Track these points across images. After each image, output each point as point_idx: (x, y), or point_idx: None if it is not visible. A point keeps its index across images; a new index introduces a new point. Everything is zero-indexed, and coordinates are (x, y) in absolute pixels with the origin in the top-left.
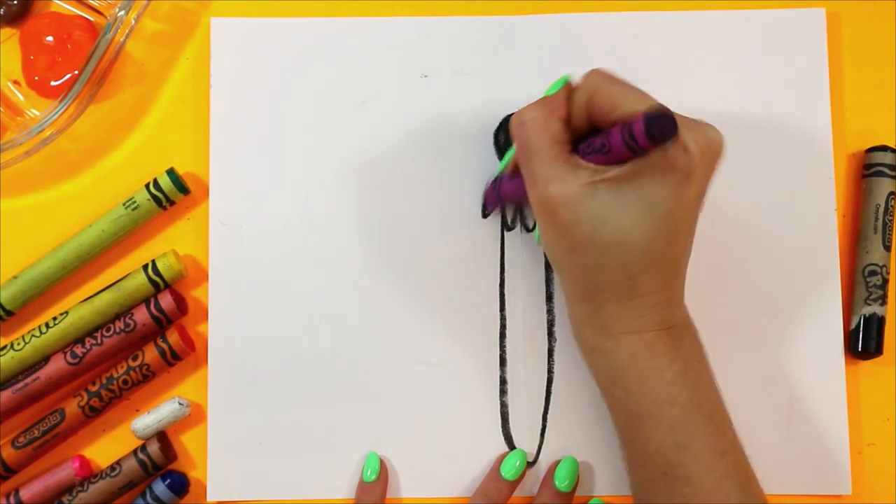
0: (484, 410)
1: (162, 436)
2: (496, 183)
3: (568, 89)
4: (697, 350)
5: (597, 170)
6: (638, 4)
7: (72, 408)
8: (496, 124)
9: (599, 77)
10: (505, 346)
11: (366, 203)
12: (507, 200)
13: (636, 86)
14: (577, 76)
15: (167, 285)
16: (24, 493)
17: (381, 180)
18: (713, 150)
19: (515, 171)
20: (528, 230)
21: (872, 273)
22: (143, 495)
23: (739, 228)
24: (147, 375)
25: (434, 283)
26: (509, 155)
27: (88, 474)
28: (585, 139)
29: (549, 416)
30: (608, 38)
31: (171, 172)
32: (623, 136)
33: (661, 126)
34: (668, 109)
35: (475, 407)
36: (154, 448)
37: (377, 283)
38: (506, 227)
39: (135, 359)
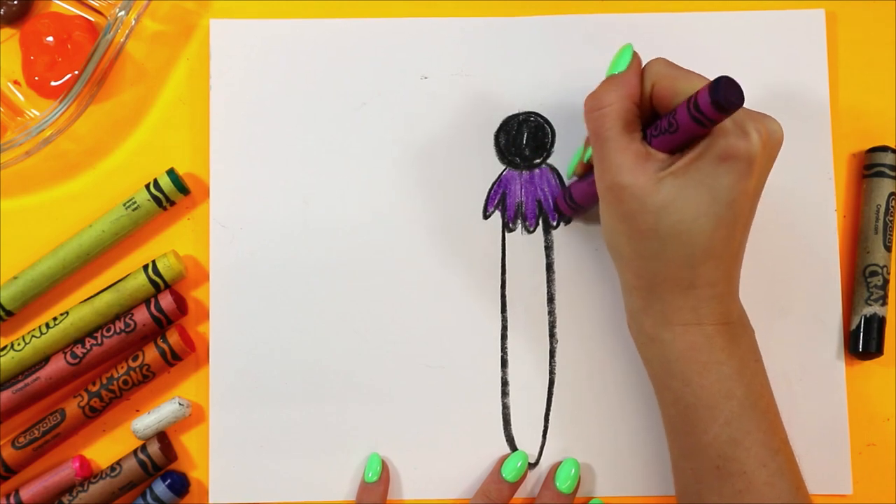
0: (485, 412)
1: (162, 436)
2: (566, 191)
3: (638, 66)
4: (754, 349)
5: (665, 160)
6: (638, 6)
7: (72, 408)
8: (496, 126)
9: (662, 65)
10: (506, 348)
11: (366, 204)
12: (583, 204)
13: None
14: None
15: (167, 285)
16: (24, 494)
17: (381, 182)
18: (774, 141)
19: (584, 173)
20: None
21: (873, 273)
22: (143, 495)
23: None
24: (147, 376)
25: (435, 285)
26: (575, 160)
27: (88, 474)
28: (650, 124)
29: (550, 417)
30: (608, 40)
31: (171, 173)
32: (689, 109)
33: (725, 93)
34: (733, 79)
35: (477, 408)
36: (154, 448)
37: (378, 285)
38: (506, 228)
39: (135, 359)
